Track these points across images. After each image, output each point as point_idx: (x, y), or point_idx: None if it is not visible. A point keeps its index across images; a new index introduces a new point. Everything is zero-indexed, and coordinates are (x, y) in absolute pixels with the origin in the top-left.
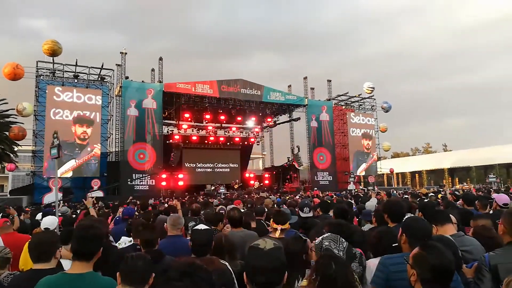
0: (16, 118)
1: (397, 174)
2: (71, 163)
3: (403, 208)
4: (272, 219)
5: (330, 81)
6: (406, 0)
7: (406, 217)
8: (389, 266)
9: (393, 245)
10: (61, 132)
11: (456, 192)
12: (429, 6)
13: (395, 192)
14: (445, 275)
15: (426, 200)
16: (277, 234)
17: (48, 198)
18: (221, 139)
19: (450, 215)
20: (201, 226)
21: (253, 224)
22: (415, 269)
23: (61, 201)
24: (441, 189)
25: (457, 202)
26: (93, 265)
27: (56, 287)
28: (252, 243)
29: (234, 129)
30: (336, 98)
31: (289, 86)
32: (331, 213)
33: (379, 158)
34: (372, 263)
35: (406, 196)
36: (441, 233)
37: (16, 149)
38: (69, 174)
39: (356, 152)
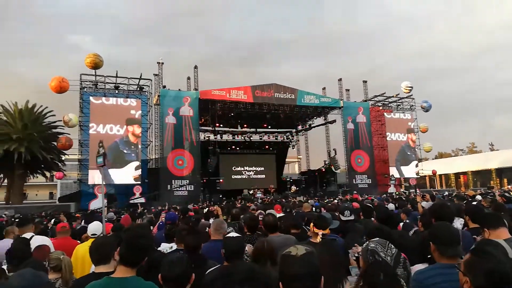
0: (63, 129)
1: (440, 175)
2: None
3: (451, 211)
4: (313, 224)
5: (365, 82)
6: None
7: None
8: (423, 281)
9: (428, 256)
10: (105, 140)
11: (506, 194)
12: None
13: (439, 194)
14: (502, 281)
15: (474, 203)
16: (318, 239)
17: (94, 205)
18: (256, 143)
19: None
20: (233, 234)
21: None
22: (468, 276)
23: (107, 207)
24: (490, 191)
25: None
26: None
27: None
28: (283, 251)
29: (269, 133)
30: (372, 99)
31: (324, 88)
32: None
33: (420, 160)
34: (417, 269)
35: (452, 198)
36: (494, 238)
37: (63, 158)
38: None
39: (403, 147)
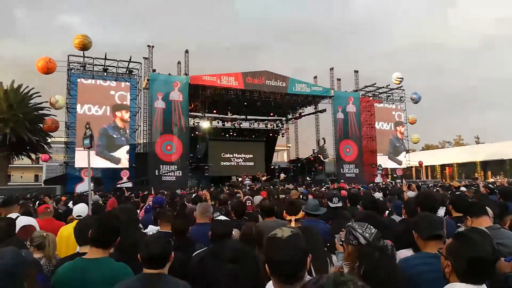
0: (49, 111)
1: (426, 167)
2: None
3: (436, 200)
4: (285, 211)
5: (357, 71)
6: None
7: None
8: (408, 269)
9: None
10: (92, 122)
11: (490, 185)
12: None
13: (424, 185)
14: (483, 266)
15: (458, 194)
16: (292, 225)
17: (80, 188)
18: (246, 131)
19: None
20: (222, 217)
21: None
22: (450, 260)
23: (93, 191)
24: (474, 182)
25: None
26: (109, 252)
27: (74, 271)
28: (269, 234)
29: (259, 121)
30: (363, 89)
31: (315, 77)
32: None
33: (407, 151)
34: (403, 254)
35: (437, 189)
36: (477, 225)
37: (49, 140)
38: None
39: (392, 139)
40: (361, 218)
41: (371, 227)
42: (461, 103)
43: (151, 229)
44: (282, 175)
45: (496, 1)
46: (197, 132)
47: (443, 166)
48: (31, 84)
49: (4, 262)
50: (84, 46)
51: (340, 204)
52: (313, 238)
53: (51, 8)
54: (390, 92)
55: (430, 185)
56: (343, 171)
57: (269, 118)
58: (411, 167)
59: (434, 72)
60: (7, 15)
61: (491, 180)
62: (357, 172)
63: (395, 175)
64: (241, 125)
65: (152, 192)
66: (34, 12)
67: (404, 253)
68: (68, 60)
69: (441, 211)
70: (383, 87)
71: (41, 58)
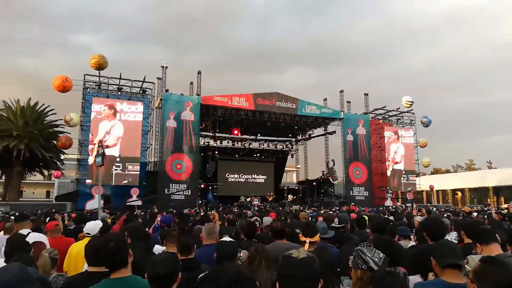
0: (63, 128)
1: (437, 191)
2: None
3: (443, 226)
4: (300, 232)
5: (367, 94)
6: (448, 10)
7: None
8: None
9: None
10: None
11: (502, 211)
12: (473, 16)
13: (434, 209)
14: None
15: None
16: (306, 247)
17: (90, 205)
18: (256, 151)
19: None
20: (227, 238)
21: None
22: (476, 283)
23: (103, 209)
24: (486, 208)
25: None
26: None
27: None
28: (285, 253)
29: (269, 141)
30: (373, 112)
31: (325, 99)
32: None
33: (417, 174)
34: (412, 280)
35: (448, 214)
36: (487, 253)
37: (62, 157)
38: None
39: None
40: (380, 244)
41: (379, 251)
42: (473, 126)
43: (157, 249)
44: (290, 196)
45: (507, 22)
46: (207, 151)
47: (454, 191)
48: (47, 102)
49: (8, 278)
50: (100, 66)
51: (339, 225)
52: (324, 260)
53: (70, 28)
54: (400, 115)
55: (442, 209)
56: (352, 193)
57: (279, 139)
58: (422, 191)
59: (444, 94)
60: (25, 34)
61: (504, 206)
62: (367, 195)
63: (405, 198)
64: (251, 146)
65: (155, 210)
66: (52, 31)
67: (413, 279)
68: (84, 79)
69: (448, 237)
70: (393, 110)
71: (58, 76)
